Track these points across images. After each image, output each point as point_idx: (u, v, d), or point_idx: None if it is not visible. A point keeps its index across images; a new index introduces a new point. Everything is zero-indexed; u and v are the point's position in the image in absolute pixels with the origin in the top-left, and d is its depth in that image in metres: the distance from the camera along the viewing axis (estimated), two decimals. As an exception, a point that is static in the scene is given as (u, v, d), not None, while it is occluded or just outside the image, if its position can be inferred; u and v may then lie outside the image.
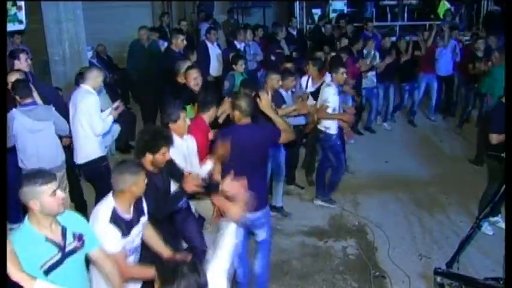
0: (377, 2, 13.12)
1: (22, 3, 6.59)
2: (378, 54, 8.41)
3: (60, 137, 5.07)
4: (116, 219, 2.90)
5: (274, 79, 5.51)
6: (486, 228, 5.29)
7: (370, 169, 7.14)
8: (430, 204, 6.00)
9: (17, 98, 4.60)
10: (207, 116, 4.45)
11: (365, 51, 8.28)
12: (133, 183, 2.90)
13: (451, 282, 4.18)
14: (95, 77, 4.89)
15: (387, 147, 8.03)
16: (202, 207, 4.42)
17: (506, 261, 3.38)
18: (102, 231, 2.85)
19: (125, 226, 2.95)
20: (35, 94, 4.86)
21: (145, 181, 2.98)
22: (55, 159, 4.79)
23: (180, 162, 3.78)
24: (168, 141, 3.37)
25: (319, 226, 5.59)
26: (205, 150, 4.29)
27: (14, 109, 4.58)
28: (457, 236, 5.01)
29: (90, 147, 4.83)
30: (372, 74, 8.29)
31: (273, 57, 8.73)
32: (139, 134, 3.49)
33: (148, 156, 3.30)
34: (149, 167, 3.31)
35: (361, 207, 6.05)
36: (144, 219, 3.17)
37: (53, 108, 4.84)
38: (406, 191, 6.37)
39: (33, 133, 4.62)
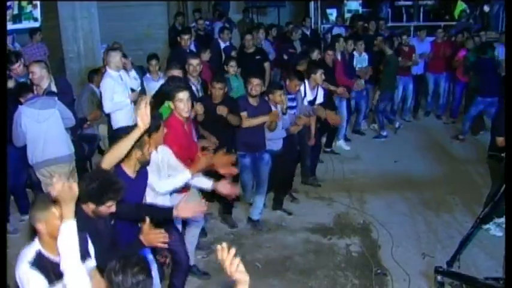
0: (392, 2, 13.05)
1: (38, 2, 6.77)
2: (367, 57, 8.25)
3: (81, 126, 5.29)
4: (40, 262, 2.48)
5: (277, 94, 5.38)
6: (495, 230, 5.27)
7: (378, 169, 7.15)
8: (437, 204, 5.99)
9: (21, 100, 4.85)
10: (177, 107, 4.16)
11: (356, 54, 8.16)
12: (43, 221, 2.47)
13: (452, 281, 4.22)
14: (112, 58, 5.49)
15: (396, 147, 8.02)
16: None
17: (506, 261, 3.39)
18: (24, 277, 2.45)
19: (54, 270, 2.47)
20: (53, 84, 5.24)
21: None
22: (61, 148, 4.92)
23: (152, 171, 3.66)
24: (117, 196, 2.93)
25: (324, 223, 5.63)
26: (185, 141, 4.20)
27: (20, 106, 4.80)
28: (462, 236, 4.97)
29: (114, 118, 5.55)
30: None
31: (285, 57, 8.80)
32: (87, 177, 3.00)
33: (91, 206, 2.92)
34: (89, 213, 2.97)
35: (367, 206, 6.07)
36: (90, 263, 2.67)
37: (56, 98, 5.05)
38: (414, 191, 6.36)
39: (41, 122, 4.79)
